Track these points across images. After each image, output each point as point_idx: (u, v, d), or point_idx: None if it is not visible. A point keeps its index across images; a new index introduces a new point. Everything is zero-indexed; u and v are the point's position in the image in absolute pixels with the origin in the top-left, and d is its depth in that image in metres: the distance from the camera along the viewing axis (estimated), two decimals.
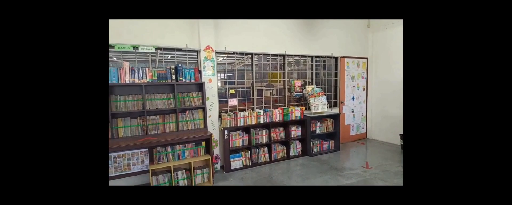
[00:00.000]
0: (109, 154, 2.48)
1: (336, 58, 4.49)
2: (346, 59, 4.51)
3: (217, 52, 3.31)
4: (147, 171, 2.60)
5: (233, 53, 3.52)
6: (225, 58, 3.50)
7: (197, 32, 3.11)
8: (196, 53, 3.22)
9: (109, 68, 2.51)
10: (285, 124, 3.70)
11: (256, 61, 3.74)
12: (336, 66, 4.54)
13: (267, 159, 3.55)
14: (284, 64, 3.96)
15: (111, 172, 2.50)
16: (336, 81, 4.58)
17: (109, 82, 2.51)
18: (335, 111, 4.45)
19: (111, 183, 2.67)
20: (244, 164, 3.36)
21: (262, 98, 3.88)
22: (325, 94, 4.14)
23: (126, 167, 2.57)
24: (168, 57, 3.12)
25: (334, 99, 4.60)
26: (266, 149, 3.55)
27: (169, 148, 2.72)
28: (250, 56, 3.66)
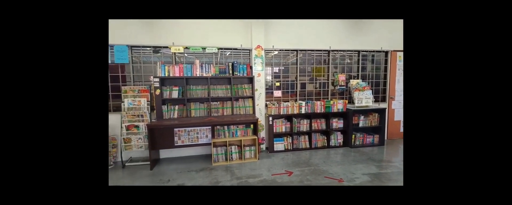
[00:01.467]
0: (185, 128, 3.38)
1: (386, 52, 4.40)
2: (398, 53, 4.36)
3: (266, 50, 3.85)
4: (210, 144, 3.40)
5: (280, 50, 4.00)
6: (274, 55, 4.03)
7: (250, 33, 3.72)
8: (248, 52, 3.85)
9: (184, 64, 3.39)
10: (327, 116, 3.98)
11: (301, 58, 4.12)
12: (386, 61, 4.45)
13: (307, 145, 3.94)
14: (328, 59, 4.19)
15: (186, 141, 3.42)
16: (385, 75, 4.49)
17: (185, 75, 3.38)
18: (383, 105, 4.40)
19: (185, 150, 3.62)
20: (286, 148, 3.85)
21: (305, 91, 4.25)
22: (371, 89, 4.17)
23: (195, 139, 3.46)
24: (227, 54, 3.86)
25: (382, 94, 4.53)
26: (306, 137, 3.94)
27: (226, 127, 3.46)
28: (295, 52, 4.06)
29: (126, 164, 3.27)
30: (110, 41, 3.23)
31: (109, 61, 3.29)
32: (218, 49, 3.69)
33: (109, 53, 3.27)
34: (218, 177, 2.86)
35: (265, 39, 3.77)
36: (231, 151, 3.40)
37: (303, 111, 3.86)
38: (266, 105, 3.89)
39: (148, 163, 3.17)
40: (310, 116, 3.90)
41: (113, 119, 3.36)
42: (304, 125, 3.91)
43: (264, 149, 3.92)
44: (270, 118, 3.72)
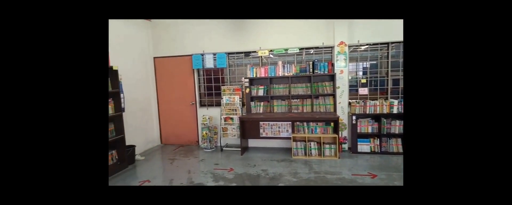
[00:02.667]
0: (268, 122, 3.80)
1: None
2: None
3: (350, 46, 3.69)
4: (290, 138, 3.67)
5: (367, 45, 3.71)
6: (360, 51, 3.79)
7: (332, 31, 3.68)
8: (330, 49, 3.82)
9: (268, 66, 3.79)
10: None
11: (395, 51, 3.65)
12: None
13: (400, 150, 3.46)
14: None
15: (269, 134, 3.84)
16: None
17: (269, 75, 3.79)
18: None
19: (268, 142, 4.05)
20: (372, 150, 3.55)
21: (398, 88, 3.72)
22: None
23: (277, 132, 3.81)
24: (311, 51, 3.99)
25: None
26: (398, 140, 3.47)
27: (305, 123, 3.62)
28: (385, 45, 3.65)
29: (224, 148, 4.06)
30: (213, 50, 4.10)
31: (212, 66, 4.17)
32: (299, 49, 3.88)
33: (212, 59, 4.15)
34: (297, 168, 3.07)
35: (348, 34, 3.62)
36: (311, 146, 3.52)
37: (394, 111, 3.43)
38: (349, 103, 3.73)
39: (239, 149, 3.81)
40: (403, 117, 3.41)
41: (215, 112, 4.24)
42: (396, 126, 3.46)
43: (346, 149, 3.77)
44: (354, 117, 3.55)
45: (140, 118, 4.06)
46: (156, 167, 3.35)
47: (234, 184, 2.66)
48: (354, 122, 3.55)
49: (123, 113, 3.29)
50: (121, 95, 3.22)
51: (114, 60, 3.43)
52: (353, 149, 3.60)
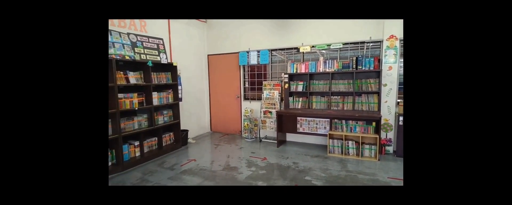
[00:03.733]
0: (306, 118, 3.85)
1: None
2: None
3: (401, 40, 3.33)
4: (326, 135, 3.63)
5: None
6: None
7: (382, 24, 3.40)
8: (378, 44, 3.53)
9: (309, 62, 3.80)
10: None
11: None
12: None
13: None
14: None
15: (306, 129, 3.89)
16: None
17: (309, 71, 3.80)
18: None
19: (305, 137, 4.09)
20: None
21: None
22: None
23: (314, 129, 3.82)
24: (355, 47, 3.79)
25: None
26: None
27: (344, 121, 3.51)
28: None
29: (262, 140, 4.33)
30: (258, 48, 4.36)
31: (256, 62, 4.44)
32: (343, 44, 3.74)
33: (256, 56, 4.42)
34: (329, 165, 3.07)
35: (402, 28, 3.27)
36: (348, 145, 3.41)
37: None
38: (397, 103, 3.41)
39: (276, 141, 4.01)
40: None
41: (257, 105, 4.54)
42: None
43: (392, 151, 3.47)
44: (401, 118, 3.23)
45: (194, 107, 4.73)
46: (203, 149, 3.90)
47: (264, 172, 2.89)
48: (401, 123, 3.24)
49: (180, 102, 3.95)
50: (179, 87, 3.86)
51: (176, 57, 4.12)
52: (399, 152, 3.30)
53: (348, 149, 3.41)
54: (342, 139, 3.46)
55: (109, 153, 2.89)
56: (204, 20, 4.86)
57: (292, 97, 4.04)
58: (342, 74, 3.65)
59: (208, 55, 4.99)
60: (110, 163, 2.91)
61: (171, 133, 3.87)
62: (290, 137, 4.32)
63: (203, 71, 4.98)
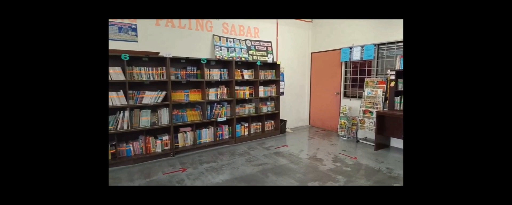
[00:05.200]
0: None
1: None
2: None
3: None
4: None
5: None
6: None
7: None
8: None
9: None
10: None
11: None
12: None
13: None
14: None
15: None
16: None
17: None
18: None
19: None
20: None
21: None
22: None
23: None
24: None
25: None
26: None
27: None
28: None
29: (360, 140, 4.12)
30: (362, 43, 4.12)
31: (359, 58, 4.21)
32: None
33: (360, 52, 4.18)
34: None
35: None
36: None
37: None
38: None
39: (373, 144, 3.71)
40: None
41: (356, 103, 4.32)
42: None
43: None
44: None
45: (294, 101, 5.22)
46: (297, 139, 4.31)
47: (348, 169, 2.90)
48: None
49: (281, 96, 4.56)
50: (282, 83, 4.48)
51: (281, 56, 4.76)
52: None
53: None
54: None
55: (227, 129, 3.97)
56: (309, 20, 5.16)
57: (398, 97, 3.54)
58: None
59: (311, 53, 5.27)
60: (227, 136, 3.99)
61: (272, 121, 4.58)
62: (395, 142, 3.82)
63: (306, 68, 5.32)
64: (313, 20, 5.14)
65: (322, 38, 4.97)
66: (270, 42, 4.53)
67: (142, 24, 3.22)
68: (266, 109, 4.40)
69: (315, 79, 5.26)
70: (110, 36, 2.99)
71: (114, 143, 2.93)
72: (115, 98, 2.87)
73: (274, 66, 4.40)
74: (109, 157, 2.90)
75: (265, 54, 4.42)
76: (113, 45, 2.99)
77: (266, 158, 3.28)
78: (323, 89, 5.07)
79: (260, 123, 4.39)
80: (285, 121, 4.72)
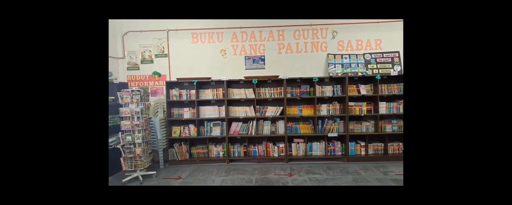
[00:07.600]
0: None
1: None
2: None
3: None
4: None
5: None
6: None
7: None
8: None
9: None
10: None
11: None
12: None
13: None
14: None
15: None
16: None
17: None
18: None
19: None
20: None
21: None
22: None
23: None
24: None
25: None
26: None
27: None
28: None
29: None
30: None
31: None
32: None
33: None
34: None
35: None
36: None
37: None
38: None
39: None
40: None
41: None
42: None
43: None
44: None
45: None
46: None
47: None
48: None
49: None
50: None
51: None
52: None
53: None
54: None
55: (340, 145, 3.92)
56: None
57: None
58: None
59: None
60: (339, 153, 3.92)
61: (400, 143, 3.86)
62: None
63: None
64: None
65: None
66: (398, 52, 3.95)
67: (269, 54, 4.16)
68: (390, 128, 3.83)
69: None
70: (247, 67, 4.17)
71: (245, 144, 3.98)
72: (248, 111, 3.93)
73: (403, 79, 3.77)
74: (242, 154, 3.97)
75: (390, 66, 3.91)
76: (248, 73, 4.13)
77: (378, 183, 2.93)
78: None
79: (382, 144, 3.87)
80: None
